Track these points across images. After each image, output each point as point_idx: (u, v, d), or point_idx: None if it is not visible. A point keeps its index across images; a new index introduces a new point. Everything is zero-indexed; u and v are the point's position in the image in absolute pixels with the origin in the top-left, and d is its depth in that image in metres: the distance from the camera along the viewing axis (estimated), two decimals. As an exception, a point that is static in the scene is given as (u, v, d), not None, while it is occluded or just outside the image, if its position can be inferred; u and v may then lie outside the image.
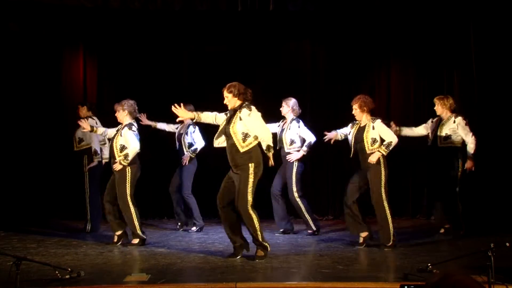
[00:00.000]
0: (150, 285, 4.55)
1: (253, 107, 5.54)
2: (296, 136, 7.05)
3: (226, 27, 8.49)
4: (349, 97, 6.58)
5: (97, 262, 5.47)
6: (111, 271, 5.05)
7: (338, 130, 6.60)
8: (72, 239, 6.77)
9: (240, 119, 5.48)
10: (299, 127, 7.03)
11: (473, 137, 6.71)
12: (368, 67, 8.82)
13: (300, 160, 7.00)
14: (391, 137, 6.07)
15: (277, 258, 5.62)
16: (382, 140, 6.07)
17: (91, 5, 7.09)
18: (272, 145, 5.57)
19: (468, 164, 6.73)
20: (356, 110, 6.23)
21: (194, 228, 7.36)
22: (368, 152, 6.09)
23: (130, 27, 8.46)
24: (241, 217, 5.48)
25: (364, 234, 6.23)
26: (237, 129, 5.46)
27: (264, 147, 5.52)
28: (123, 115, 6.42)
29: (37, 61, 8.33)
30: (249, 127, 5.47)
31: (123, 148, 6.32)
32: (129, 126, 6.37)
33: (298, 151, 6.99)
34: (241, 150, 5.45)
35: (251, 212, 5.42)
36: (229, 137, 5.52)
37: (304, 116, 8.64)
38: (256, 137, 5.49)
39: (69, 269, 4.73)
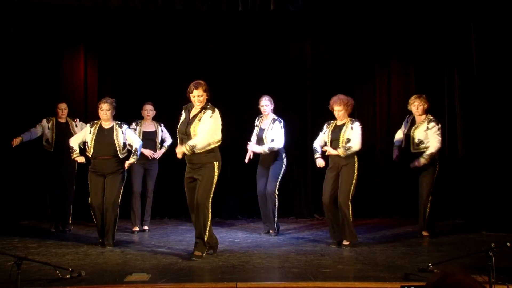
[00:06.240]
0: (151, 285, 4.56)
1: (216, 110, 5.56)
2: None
3: (226, 27, 8.49)
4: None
5: (98, 262, 5.47)
6: (111, 271, 5.05)
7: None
8: (72, 239, 6.77)
9: (200, 119, 5.51)
10: (281, 128, 7.00)
11: (439, 143, 6.60)
12: (369, 66, 8.81)
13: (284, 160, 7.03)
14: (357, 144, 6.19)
15: (277, 258, 5.63)
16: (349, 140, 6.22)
17: (91, 4, 7.09)
18: (192, 147, 5.41)
19: (416, 162, 6.53)
20: (341, 111, 6.29)
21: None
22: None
23: (130, 27, 8.46)
24: (198, 210, 5.48)
25: None
26: (197, 130, 5.48)
27: (184, 144, 5.45)
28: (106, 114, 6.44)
29: (38, 61, 8.32)
30: (203, 127, 5.46)
31: (124, 146, 6.39)
32: (120, 125, 6.44)
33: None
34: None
35: (209, 207, 5.51)
36: (189, 135, 5.53)
37: (304, 116, 8.64)
38: (218, 141, 5.54)
39: (70, 269, 4.74)
